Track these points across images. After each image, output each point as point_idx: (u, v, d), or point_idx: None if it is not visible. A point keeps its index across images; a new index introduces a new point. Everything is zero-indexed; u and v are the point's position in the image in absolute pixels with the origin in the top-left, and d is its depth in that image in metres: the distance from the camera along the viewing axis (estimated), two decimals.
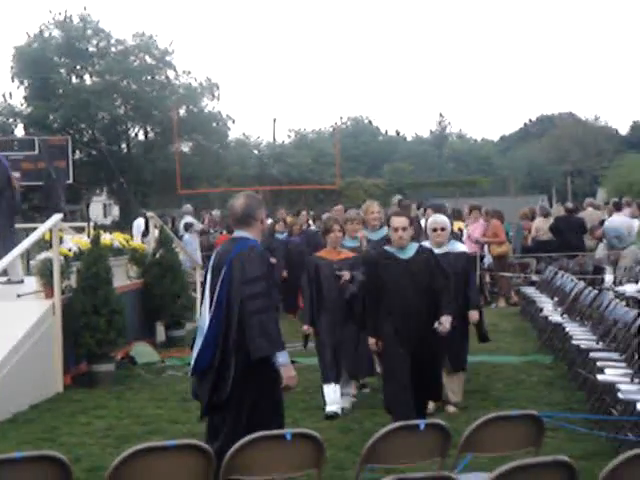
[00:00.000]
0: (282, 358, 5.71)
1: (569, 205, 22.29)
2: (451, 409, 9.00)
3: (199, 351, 5.86)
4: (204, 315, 5.93)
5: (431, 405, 8.50)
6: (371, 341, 7.93)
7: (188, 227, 21.24)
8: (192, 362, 5.95)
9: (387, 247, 8.20)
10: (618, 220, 18.42)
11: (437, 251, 8.56)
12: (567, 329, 11.05)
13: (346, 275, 9.05)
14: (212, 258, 6.18)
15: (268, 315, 5.71)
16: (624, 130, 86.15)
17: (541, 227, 20.43)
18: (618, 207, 19.43)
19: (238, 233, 6.10)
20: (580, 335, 10.51)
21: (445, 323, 7.68)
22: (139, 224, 21.23)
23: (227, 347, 5.74)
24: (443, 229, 9.10)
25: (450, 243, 9.23)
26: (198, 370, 5.92)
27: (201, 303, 6.14)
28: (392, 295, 7.72)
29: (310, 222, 19.56)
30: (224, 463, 4.36)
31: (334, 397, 9.03)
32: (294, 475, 4.65)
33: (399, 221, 7.88)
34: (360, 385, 10.10)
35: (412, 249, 7.93)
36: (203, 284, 6.28)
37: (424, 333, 7.65)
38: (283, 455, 4.52)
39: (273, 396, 5.87)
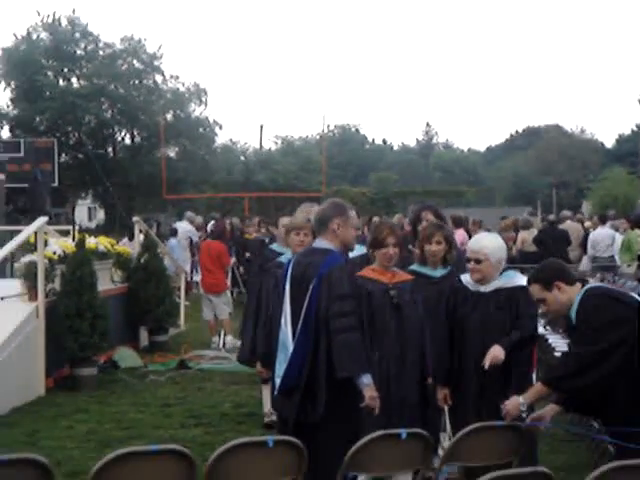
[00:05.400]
0: (366, 379, 5.46)
1: (552, 217, 22.36)
2: None
3: (286, 369, 5.62)
4: (286, 329, 5.69)
5: None
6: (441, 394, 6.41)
7: (174, 232, 21.25)
8: (278, 380, 5.69)
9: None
10: (602, 233, 18.65)
11: (481, 289, 6.31)
12: (549, 340, 11.08)
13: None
14: (290, 267, 5.88)
15: (354, 334, 5.49)
16: (610, 143, 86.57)
17: (527, 239, 20.50)
18: (603, 220, 19.60)
19: (318, 242, 5.90)
20: (563, 347, 10.53)
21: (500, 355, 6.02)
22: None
23: (317, 365, 5.53)
24: (479, 261, 6.26)
25: (504, 275, 6.37)
26: (285, 388, 5.66)
27: (280, 315, 5.77)
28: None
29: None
30: (206, 470, 4.34)
31: None
32: None
33: None
34: None
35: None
36: (273, 292, 6.09)
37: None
38: (265, 462, 4.50)
39: (357, 418, 5.64)
